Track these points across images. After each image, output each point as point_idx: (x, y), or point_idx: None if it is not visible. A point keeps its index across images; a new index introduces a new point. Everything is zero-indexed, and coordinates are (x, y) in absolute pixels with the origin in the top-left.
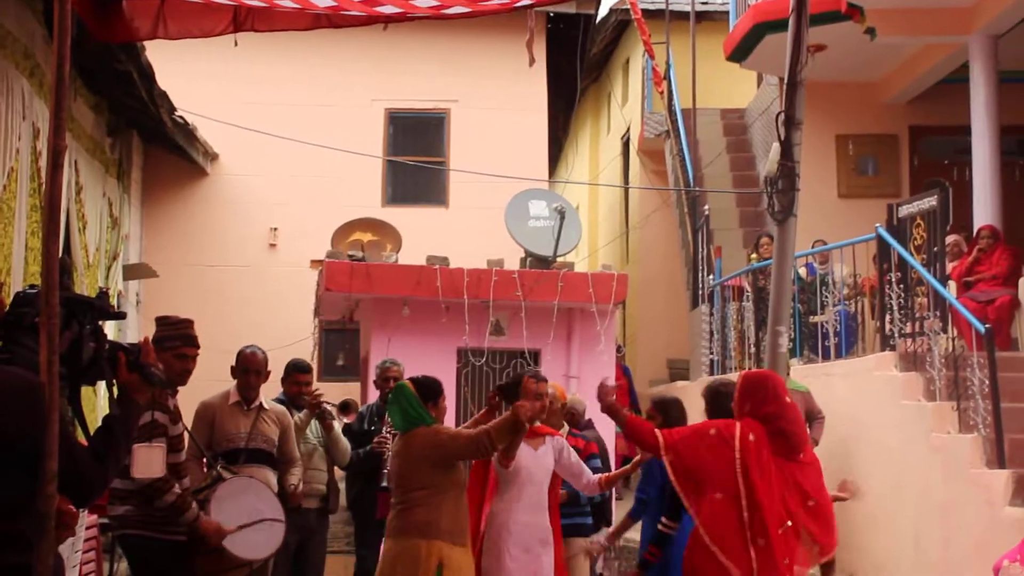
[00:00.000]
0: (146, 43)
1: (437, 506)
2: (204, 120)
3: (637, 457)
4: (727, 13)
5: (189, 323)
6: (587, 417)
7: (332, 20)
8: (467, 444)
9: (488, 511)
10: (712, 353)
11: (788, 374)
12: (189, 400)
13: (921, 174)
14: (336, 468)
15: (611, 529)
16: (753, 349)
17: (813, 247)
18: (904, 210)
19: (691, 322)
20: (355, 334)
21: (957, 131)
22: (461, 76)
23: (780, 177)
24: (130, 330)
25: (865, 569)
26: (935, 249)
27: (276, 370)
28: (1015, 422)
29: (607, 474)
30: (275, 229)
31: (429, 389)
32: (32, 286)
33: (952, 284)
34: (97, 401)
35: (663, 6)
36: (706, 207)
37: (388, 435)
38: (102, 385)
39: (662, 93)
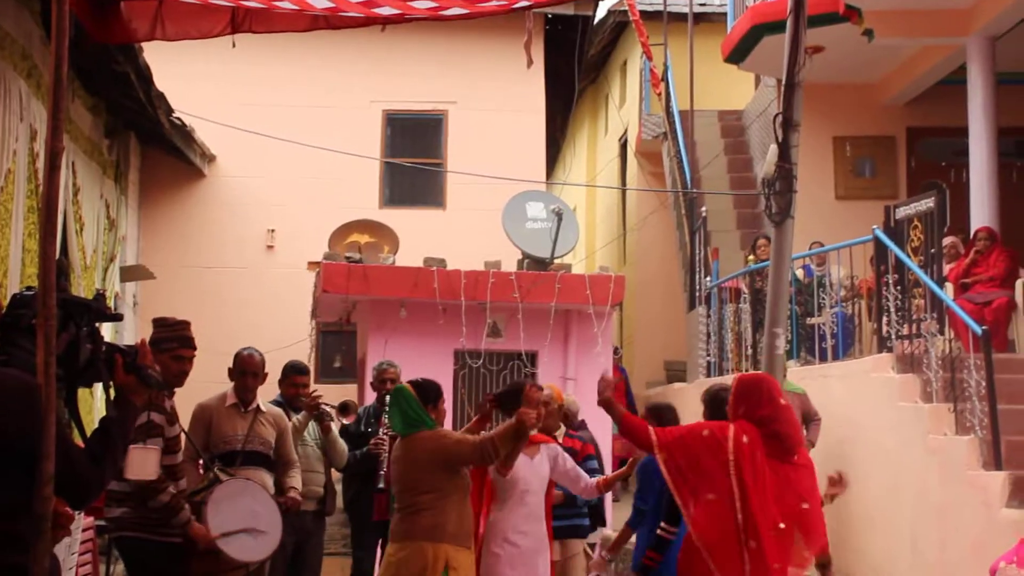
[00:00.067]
0: (144, 44)
1: (443, 509)
2: (202, 122)
3: (633, 458)
4: (725, 15)
5: (186, 325)
6: (580, 418)
7: (330, 21)
8: (471, 450)
9: (486, 521)
10: (709, 355)
11: (784, 376)
12: (186, 402)
13: (918, 176)
14: (333, 470)
15: (612, 542)
16: (750, 351)
17: (810, 249)
18: (901, 212)
19: (688, 324)
20: (352, 336)
21: (955, 133)
22: (459, 78)
23: (777, 179)
24: (127, 332)
25: (862, 570)
26: (932, 251)
27: (273, 372)
28: (1012, 424)
29: (604, 477)
30: (272, 231)
31: (428, 392)
32: (29, 288)
33: (949, 286)
34: (94, 403)
35: (661, 7)
36: (703, 209)
37: (385, 437)
38: (99, 387)
39: (660, 95)
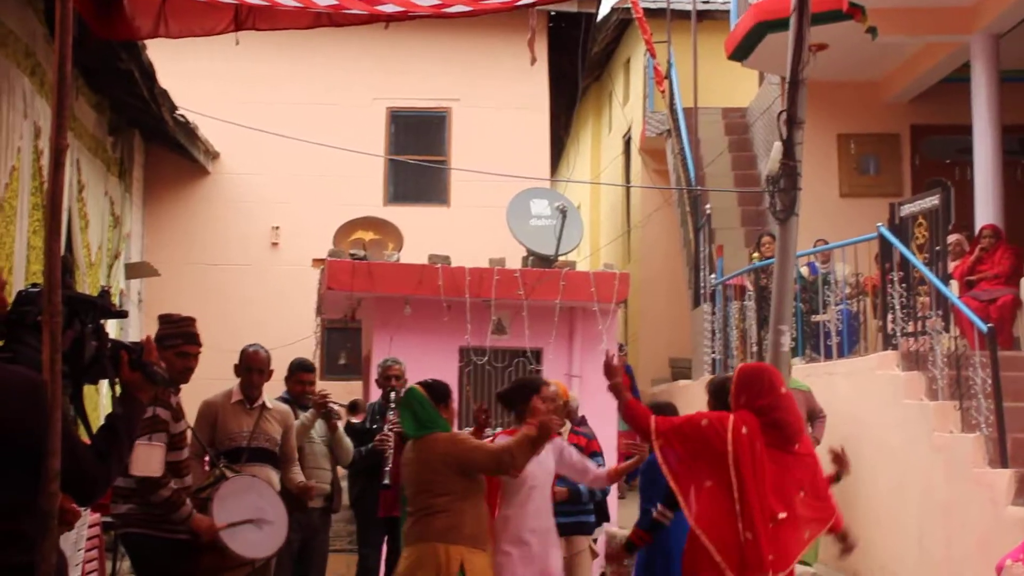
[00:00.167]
0: (147, 42)
1: (459, 511)
2: (205, 119)
3: (639, 455)
4: (728, 12)
5: (191, 321)
6: (581, 414)
7: (333, 19)
8: (488, 459)
9: (497, 518)
10: (714, 352)
11: (789, 373)
12: (192, 398)
13: (923, 173)
14: (339, 467)
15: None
16: (755, 348)
17: (815, 246)
18: (906, 209)
19: (693, 321)
20: (357, 333)
21: (959, 130)
22: (463, 75)
23: (782, 176)
24: (132, 329)
25: (869, 568)
26: (937, 248)
27: (278, 369)
28: (1017, 421)
29: (615, 466)
30: (277, 228)
31: (439, 392)
32: (34, 285)
33: (954, 283)
34: (99, 400)
35: (664, 5)
36: (708, 206)
37: (390, 433)
38: (104, 384)
39: (663, 92)
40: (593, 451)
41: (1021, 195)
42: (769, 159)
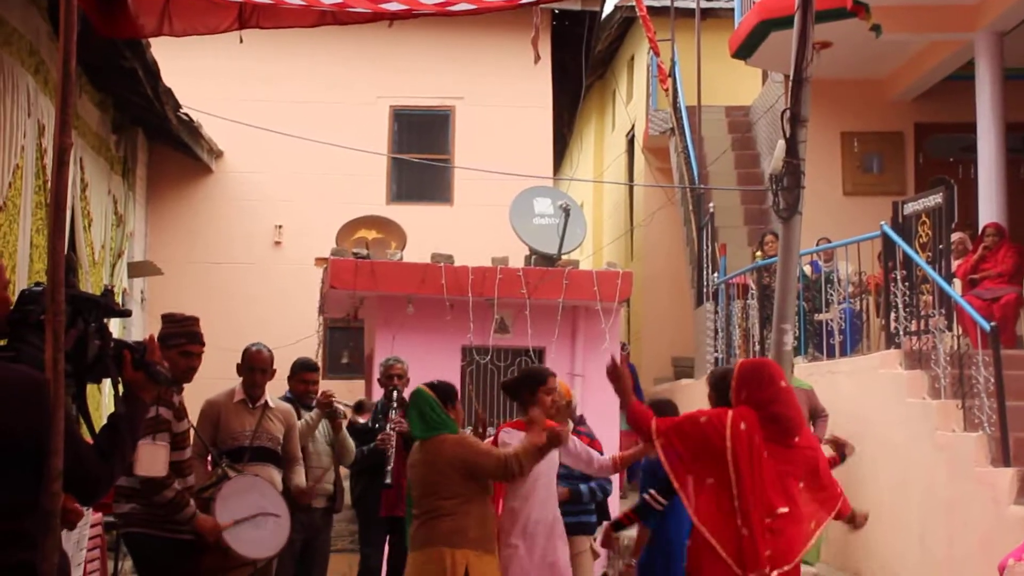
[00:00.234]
0: (151, 40)
1: (465, 514)
2: (209, 117)
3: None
4: (732, 10)
5: (194, 320)
6: (579, 413)
7: (337, 17)
8: (496, 465)
9: (502, 511)
10: (717, 351)
11: (792, 372)
12: (194, 398)
13: (926, 171)
14: (340, 467)
15: (634, 547)
16: (758, 347)
17: (818, 245)
18: (909, 208)
19: (696, 320)
20: (360, 332)
21: (962, 128)
22: (466, 73)
23: (785, 174)
24: (135, 328)
25: (870, 566)
26: (940, 247)
27: (281, 368)
28: (1020, 420)
29: (621, 453)
30: (280, 227)
31: (447, 393)
32: (38, 283)
33: (957, 282)
34: (102, 399)
35: (668, 3)
36: (711, 204)
37: (392, 432)
38: (107, 383)
39: (667, 90)
40: (596, 450)
41: None
42: (772, 157)
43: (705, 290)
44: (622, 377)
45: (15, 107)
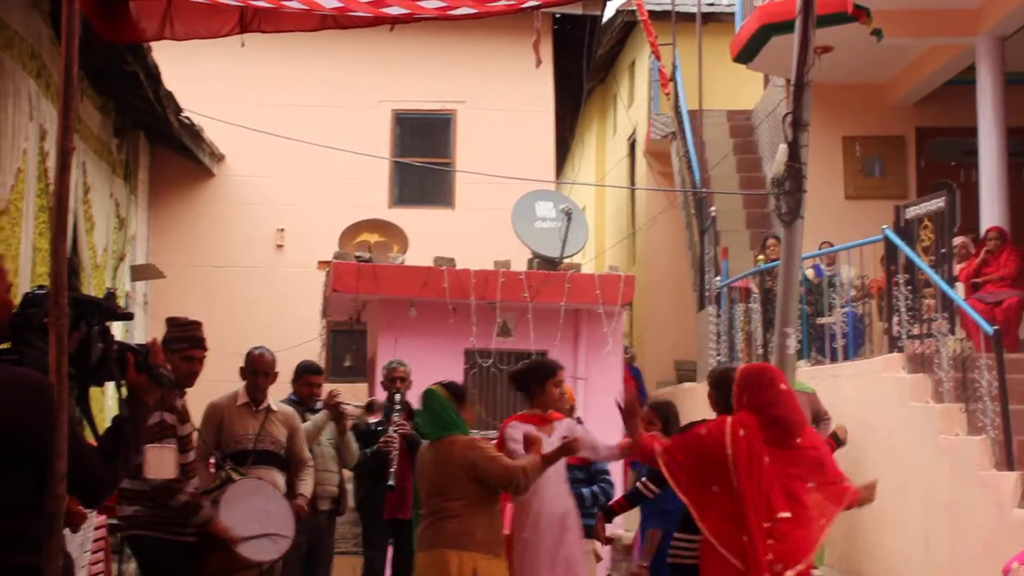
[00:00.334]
0: (153, 44)
1: (473, 516)
2: (211, 121)
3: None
4: (733, 14)
5: (197, 325)
6: (577, 415)
7: (339, 21)
8: (502, 474)
9: (513, 506)
10: (719, 355)
11: (794, 375)
12: (197, 401)
13: (928, 176)
14: (343, 469)
15: (645, 549)
16: (760, 351)
17: (820, 249)
18: (911, 212)
19: (698, 323)
20: (362, 335)
21: (964, 132)
22: (468, 77)
23: (787, 178)
24: (137, 331)
25: (874, 570)
26: (943, 251)
27: (283, 371)
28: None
29: (625, 440)
30: (282, 230)
31: (459, 393)
32: (41, 287)
33: (960, 286)
34: (105, 402)
35: (669, 7)
36: (713, 208)
37: (395, 435)
38: (110, 386)
39: (668, 94)
40: None
41: None
42: (774, 161)
43: (707, 294)
44: (635, 415)
45: (17, 111)
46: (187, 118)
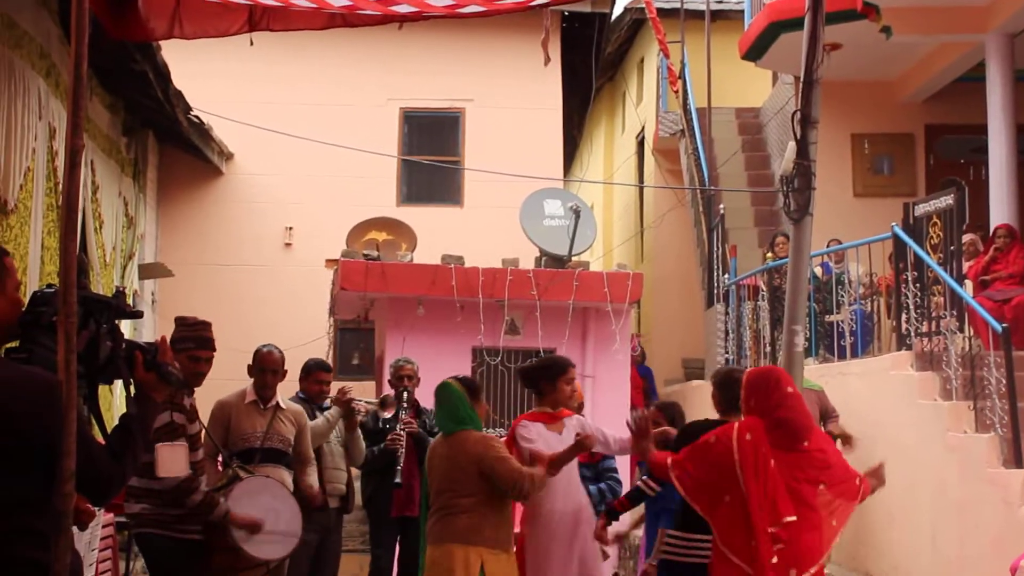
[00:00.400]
0: (162, 43)
1: (482, 514)
2: (219, 119)
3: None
4: (742, 12)
5: (205, 325)
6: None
7: (347, 19)
8: (509, 476)
9: (528, 502)
10: (727, 352)
11: (803, 373)
12: (205, 399)
13: (937, 173)
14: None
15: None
16: (769, 348)
17: (829, 246)
18: (920, 209)
19: (706, 321)
20: (370, 333)
21: (973, 130)
22: (476, 75)
23: (796, 176)
24: (146, 329)
25: (882, 568)
26: (951, 248)
27: (291, 370)
28: None
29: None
30: (290, 228)
31: (474, 388)
32: (49, 285)
33: (968, 283)
34: (113, 400)
35: (678, 5)
36: (721, 206)
37: (402, 433)
38: (118, 384)
39: (677, 92)
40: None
41: None
42: (783, 159)
43: (715, 292)
44: (646, 437)
45: (26, 110)
46: (196, 117)
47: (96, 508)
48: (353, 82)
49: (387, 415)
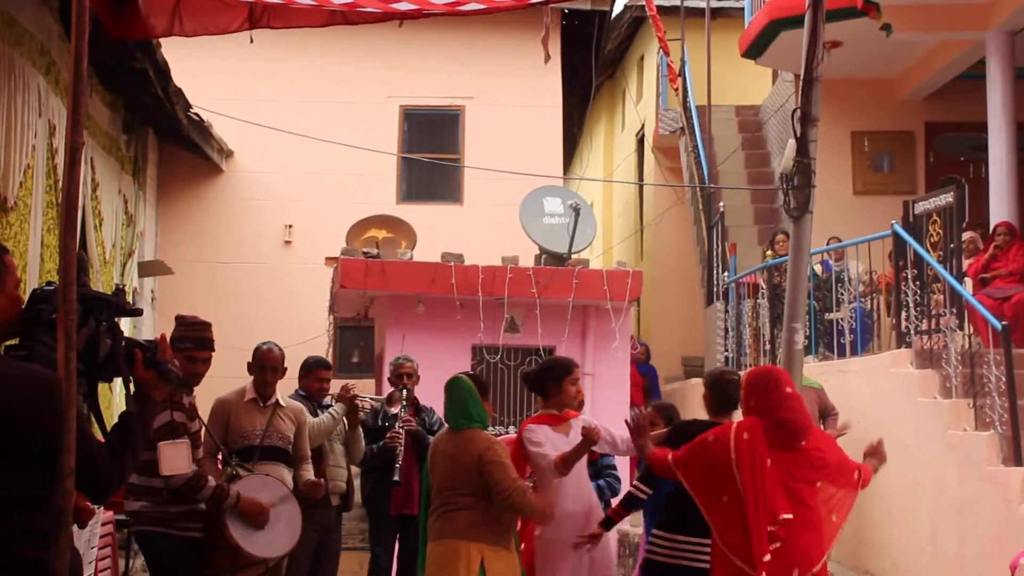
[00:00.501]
0: (162, 40)
1: (483, 511)
2: (219, 117)
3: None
4: (742, 10)
5: (204, 326)
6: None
7: (347, 17)
8: (503, 483)
9: None
10: (727, 350)
11: (802, 371)
12: (205, 397)
13: (937, 171)
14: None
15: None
16: (768, 346)
17: (828, 244)
18: (920, 207)
19: (706, 319)
20: (370, 331)
21: (973, 127)
22: (476, 73)
23: (796, 174)
24: (145, 327)
25: (882, 566)
26: (951, 246)
27: (291, 367)
28: None
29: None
30: (290, 226)
31: (484, 386)
32: (49, 283)
33: (968, 281)
34: (112, 398)
35: (678, 3)
36: (721, 204)
37: (401, 431)
38: (118, 382)
39: (677, 90)
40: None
41: None
42: (783, 156)
43: (715, 289)
44: (644, 434)
45: (26, 107)
46: (196, 114)
47: (96, 506)
48: (353, 80)
49: (395, 410)
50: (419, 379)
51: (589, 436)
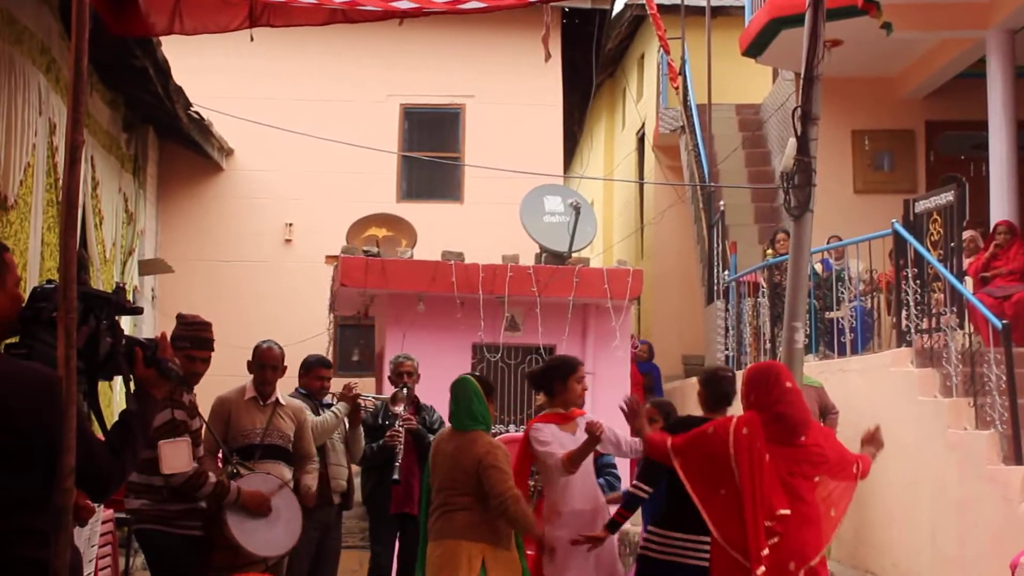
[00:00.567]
0: (162, 38)
1: (484, 511)
2: (219, 115)
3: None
4: (742, 8)
5: (203, 325)
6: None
7: (348, 15)
8: (498, 487)
9: (544, 504)
10: (728, 349)
11: (803, 370)
12: (204, 395)
13: (937, 169)
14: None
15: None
16: (769, 345)
17: (829, 243)
18: (920, 206)
19: (706, 318)
20: (370, 330)
21: (974, 126)
22: (476, 71)
23: (796, 172)
24: (146, 325)
25: (882, 565)
26: (952, 245)
27: (291, 366)
28: None
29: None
30: (290, 224)
31: (489, 386)
32: (49, 281)
33: (969, 280)
34: (113, 396)
35: (678, 1)
36: (721, 203)
37: (400, 429)
38: (118, 380)
39: (677, 88)
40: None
41: None
42: (783, 155)
43: (716, 288)
44: (639, 416)
45: (26, 105)
46: (196, 112)
47: (96, 504)
48: (353, 78)
49: (398, 409)
50: (419, 378)
51: (593, 431)
